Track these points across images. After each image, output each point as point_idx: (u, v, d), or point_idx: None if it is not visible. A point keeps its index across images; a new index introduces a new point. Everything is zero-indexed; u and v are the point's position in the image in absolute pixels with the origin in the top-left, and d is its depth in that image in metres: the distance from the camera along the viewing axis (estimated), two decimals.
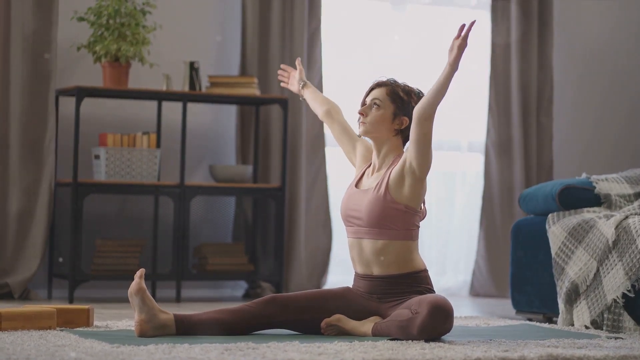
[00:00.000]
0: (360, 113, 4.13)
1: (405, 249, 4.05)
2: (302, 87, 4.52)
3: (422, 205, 4.12)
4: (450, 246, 7.25)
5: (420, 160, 3.99)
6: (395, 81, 4.17)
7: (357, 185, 4.18)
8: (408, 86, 4.17)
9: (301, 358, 3.31)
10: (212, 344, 3.62)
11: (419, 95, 4.15)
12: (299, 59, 4.57)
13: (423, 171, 4.01)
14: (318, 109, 4.45)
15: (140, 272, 3.88)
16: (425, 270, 4.11)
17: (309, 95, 4.51)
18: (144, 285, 3.87)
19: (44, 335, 3.85)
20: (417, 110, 3.96)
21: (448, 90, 3.96)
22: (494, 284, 7.11)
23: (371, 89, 4.17)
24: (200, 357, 3.28)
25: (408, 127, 4.12)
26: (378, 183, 4.06)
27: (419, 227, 4.11)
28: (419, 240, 4.32)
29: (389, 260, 4.05)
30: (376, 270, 4.08)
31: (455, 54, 3.93)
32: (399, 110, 4.12)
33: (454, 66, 3.95)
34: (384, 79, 4.17)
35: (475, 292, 7.16)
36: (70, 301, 5.84)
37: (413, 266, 4.07)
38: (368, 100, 4.15)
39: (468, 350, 3.60)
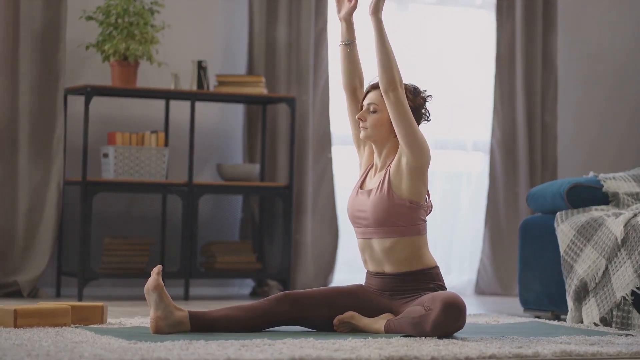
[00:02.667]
0: (359, 118, 4.14)
1: (415, 245, 4.08)
2: (345, 44, 4.26)
3: (427, 198, 4.14)
4: (456, 245, 7.27)
5: (408, 142, 3.98)
6: None
7: (361, 186, 4.21)
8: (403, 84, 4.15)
9: (318, 354, 3.34)
10: (228, 341, 3.65)
11: (414, 91, 4.15)
12: None
13: (417, 157, 4.00)
14: (346, 78, 4.27)
15: (158, 268, 3.91)
16: (436, 267, 4.14)
17: (347, 57, 4.26)
18: (161, 282, 3.90)
19: (60, 332, 3.88)
20: (380, 86, 4.01)
21: (390, 47, 4.02)
22: (499, 283, 7.14)
23: (367, 92, 4.18)
24: (218, 352, 3.31)
25: None
26: (380, 182, 4.09)
27: (426, 221, 4.13)
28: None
29: (400, 258, 4.08)
30: (388, 268, 4.11)
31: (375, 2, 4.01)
32: None
33: (374, 16, 4.02)
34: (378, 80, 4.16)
35: (481, 290, 7.19)
36: (80, 299, 5.86)
37: (424, 263, 4.10)
38: (365, 104, 4.16)
39: (482, 347, 3.64)
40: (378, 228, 4.08)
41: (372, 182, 4.16)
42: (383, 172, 4.13)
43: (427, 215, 4.14)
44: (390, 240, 4.07)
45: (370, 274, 4.18)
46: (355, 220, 4.17)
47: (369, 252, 4.15)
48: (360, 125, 4.15)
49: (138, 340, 3.65)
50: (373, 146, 4.19)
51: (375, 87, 4.16)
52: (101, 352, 3.27)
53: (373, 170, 4.21)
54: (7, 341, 3.57)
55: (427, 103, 4.18)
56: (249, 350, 3.40)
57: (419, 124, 4.15)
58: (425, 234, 4.13)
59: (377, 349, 3.50)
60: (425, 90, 4.20)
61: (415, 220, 4.08)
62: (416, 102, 4.14)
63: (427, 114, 4.19)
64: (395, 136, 4.10)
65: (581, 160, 7.53)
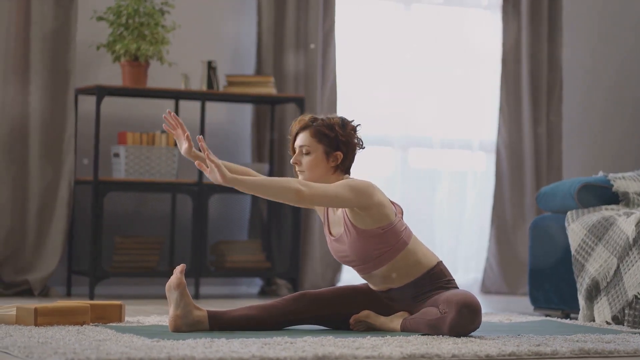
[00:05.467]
0: (295, 163, 4.12)
1: (409, 256, 4.08)
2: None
3: (394, 208, 4.10)
4: (462, 244, 7.31)
5: (349, 207, 3.98)
6: (314, 119, 4.13)
7: (330, 232, 4.19)
8: (329, 118, 4.14)
9: (340, 352, 3.38)
10: (249, 339, 3.68)
11: (342, 124, 4.12)
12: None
13: (363, 204, 3.98)
14: None
15: (181, 267, 3.93)
16: (439, 264, 4.14)
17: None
18: (184, 280, 3.93)
19: (82, 331, 3.91)
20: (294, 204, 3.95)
21: (261, 181, 3.86)
22: (505, 282, 7.18)
23: (296, 135, 4.14)
24: (242, 350, 3.35)
25: (344, 159, 4.12)
26: (344, 226, 4.08)
27: (406, 226, 4.12)
28: (428, 234, 4.32)
29: (401, 274, 4.09)
30: (394, 285, 4.13)
31: (220, 175, 3.81)
32: (329, 147, 4.10)
33: (226, 181, 3.82)
34: (304, 120, 4.13)
35: (487, 289, 7.23)
36: (91, 298, 5.89)
37: (425, 266, 4.11)
38: (296, 148, 4.13)
39: (501, 345, 3.68)
40: (369, 264, 4.09)
41: (337, 225, 4.13)
42: (340, 212, 4.11)
43: (401, 218, 4.11)
44: (385, 266, 4.08)
45: (378, 291, 4.21)
46: (345, 263, 4.19)
47: (372, 281, 4.18)
48: (297, 170, 4.12)
49: (160, 338, 3.68)
50: None
51: (303, 127, 4.12)
52: (127, 349, 3.30)
53: (330, 210, 4.19)
54: (31, 339, 3.60)
55: (357, 132, 4.16)
56: (271, 348, 3.43)
57: (354, 154, 4.14)
58: (412, 237, 4.12)
59: (398, 347, 3.54)
60: (353, 120, 4.18)
61: (396, 237, 4.07)
62: (346, 134, 4.12)
63: (360, 143, 4.18)
64: (335, 172, 4.10)
65: (586, 160, 7.57)
